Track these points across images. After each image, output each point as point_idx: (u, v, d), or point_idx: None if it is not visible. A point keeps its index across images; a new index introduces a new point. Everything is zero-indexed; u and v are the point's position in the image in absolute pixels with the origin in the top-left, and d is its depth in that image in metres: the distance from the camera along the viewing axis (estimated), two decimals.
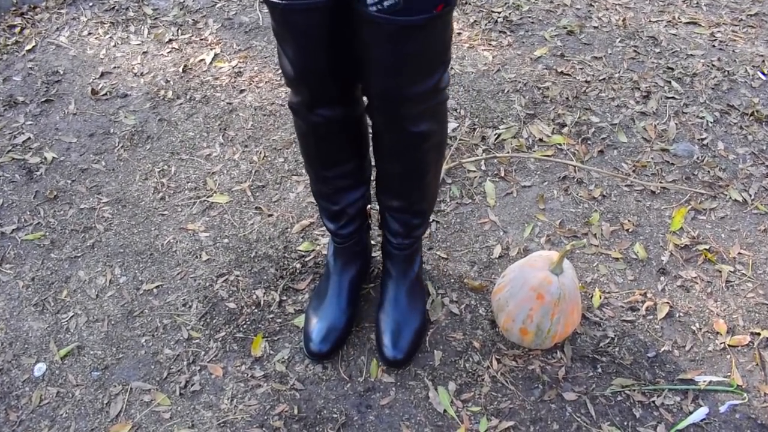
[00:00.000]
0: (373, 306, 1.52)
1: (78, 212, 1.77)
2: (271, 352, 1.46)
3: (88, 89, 2.08)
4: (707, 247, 1.59)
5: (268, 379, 1.41)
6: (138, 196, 1.80)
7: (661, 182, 1.71)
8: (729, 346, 1.42)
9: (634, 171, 1.76)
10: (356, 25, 1.05)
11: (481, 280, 1.56)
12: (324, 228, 1.68)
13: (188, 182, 1.83)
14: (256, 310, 1.54)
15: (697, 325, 1.46)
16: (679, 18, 2.20)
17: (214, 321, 1.53)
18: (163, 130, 1.96)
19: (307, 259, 1.63)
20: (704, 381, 1.36)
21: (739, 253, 1.57)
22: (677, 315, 1.48)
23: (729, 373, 1.37)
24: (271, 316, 1.53)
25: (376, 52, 1.04)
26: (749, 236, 1.61)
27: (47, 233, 1.72)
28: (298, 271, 1.62)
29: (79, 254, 1.67)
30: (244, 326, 1.52)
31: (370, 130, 1.31)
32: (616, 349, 1.42)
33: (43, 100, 2.06)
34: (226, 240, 1.69)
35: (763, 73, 1.95)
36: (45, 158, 1.89)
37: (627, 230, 1.64)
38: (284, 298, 1.56)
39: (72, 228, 1.73)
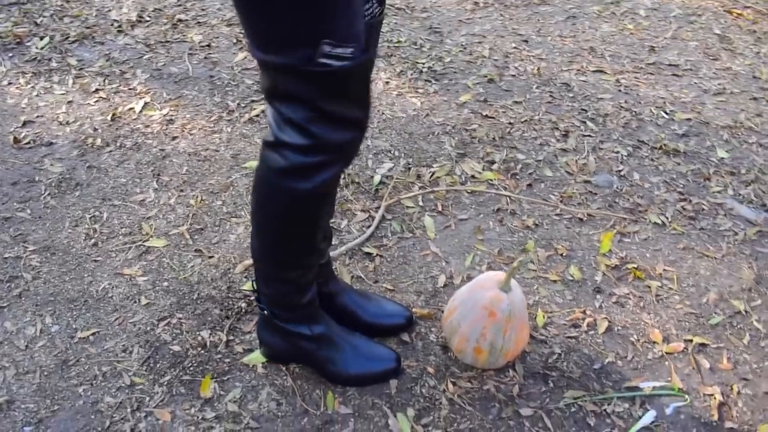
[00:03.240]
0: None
1: (1, 261, 1.66)
2: (222, 392, 1.40)
3: (9, 138, 1.99)
4: (635, 266, 1.69)
5: (220, 420, 1.35)
6: (68, 243, 1.71)
7: (587, 210, 1.83)
8: (666, 353, 1.50)
9: (561, 201, 1.87)
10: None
11: (429, 309, 1.59)
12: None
13: (122, 227, 1.77)
14: (202, 352, 1.49)
15: (635, 336, 1.54)
16: (586, 67, 2.41)
17: (158, 365, 1.46)
18: (93, 177, 1.90)
19: (252, 298, 1.60)
20: (649, 387, 1.43)
21: (664, 270, 1.69)
22: (616, 329, 1.56)
23: (669, 378, 1.45)
24: (219, 356, 1.48)
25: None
26: (671, 254, 1.74)
27: None
28: (243, 310, 1.58)
29: (4, 304, 1.56)
30: (191, 368, 1.45)
31: None
32: (564, 363, 1.47)
33: None
34: (165, 283, 1.64)
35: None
36: None
37: (561, 254, 1.73)
38: (231, 337, 1.52)
39: None
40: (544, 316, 1.57)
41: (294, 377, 1.44)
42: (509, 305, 1.37)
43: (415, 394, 1.41)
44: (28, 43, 2.38)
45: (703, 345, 1.52)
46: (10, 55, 2.31)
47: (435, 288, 1.64)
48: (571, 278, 1.67)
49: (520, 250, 1.74)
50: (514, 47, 2.51)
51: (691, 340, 1.53)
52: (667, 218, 1.83)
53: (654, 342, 1.53)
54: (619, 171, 1.97)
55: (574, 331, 1.55)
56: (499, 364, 1.43)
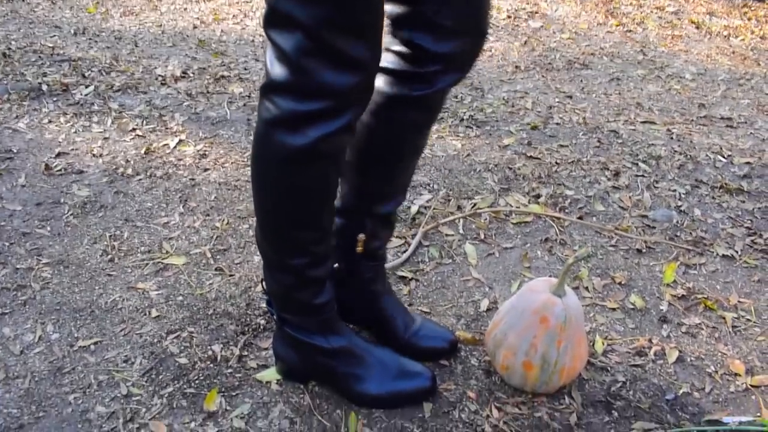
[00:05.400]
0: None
1: (12, 272, 1.55)
2: (228, 407, 1.22)
3: (41, 166, 1.95)
4: (705, 296, 1.49)
5: None
6: (83, 258, 1.61)
7: (646, 238, 1.66)
8: (751, 386, 1.26)
9: (617, 229, 1.71)
10: None
11: (472, 333, 1.40)
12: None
13: (141, 246, 1.66)
14: (211, 365, 1.32)
15: (712, 367, 1.31)
16: (635, 118, 2.31)
17: (160, 377, 1.29)
18: (119, 201, 1.83)
19: (272, 315, 1.44)
20: (734, 421, 1.19)
21: (739, 301, 1.48)
22: (688, 359, 1.33)
23: (759, 413, 1.21)
24: (230, 371, 1.31)
25: None
26: (745, 287, 1.53)
27: None
28: (261, 327, 1.42)
29: (6, 311, 1.44)
30: (197, 381, 1.28)
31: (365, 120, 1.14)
32: (629, 392, 1.25)
33: None
34: (180, 298, 1.50)
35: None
36: None
37: (619, 283, 1.54)
38: (245, 353, 1.35)
39: (2, 287, 1.50)
40: (603, 343, 1.37)
41: (312, 395, 1.25)
42: (564, 310, 1.19)
43: (453, 419, 1.20)
44: (73, 91, 2.42)
45: None
46: (55, 99, 2.35)
47: (477, 312, 1.46)
48: (632, 306, 1.47)
49: (573, 278, 1.55)
50: (558, 101, 2.45)
51: None
52: (737, 251, 1.64)
53: (736, 374, 1.29)
54: (678, 207, 1.80)
55: (639, 359, 1.33)
56: (552, 386, 1.22)
